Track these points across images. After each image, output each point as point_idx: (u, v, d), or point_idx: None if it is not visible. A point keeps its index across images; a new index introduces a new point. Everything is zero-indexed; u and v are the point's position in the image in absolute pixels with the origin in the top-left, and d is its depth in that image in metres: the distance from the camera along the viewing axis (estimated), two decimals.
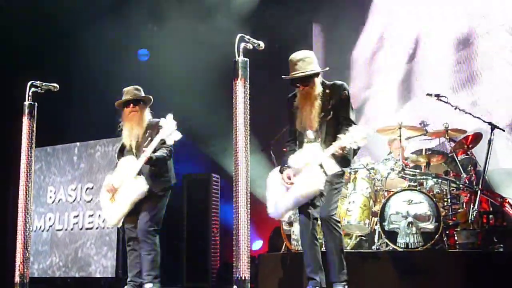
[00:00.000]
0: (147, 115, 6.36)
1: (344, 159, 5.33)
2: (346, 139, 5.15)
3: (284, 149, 7.08)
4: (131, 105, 6.33)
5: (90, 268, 9.32)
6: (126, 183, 6.10)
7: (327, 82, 5.47)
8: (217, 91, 8.31)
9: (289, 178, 5.36)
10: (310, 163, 5.29)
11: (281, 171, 5.51)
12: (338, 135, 5.23)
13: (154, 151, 6.07)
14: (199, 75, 9.51)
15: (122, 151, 6.42)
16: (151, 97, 6.41)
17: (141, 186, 6.06)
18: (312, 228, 5.35)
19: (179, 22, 10.16)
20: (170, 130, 5.93)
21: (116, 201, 6.14)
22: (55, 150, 10.16)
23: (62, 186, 9.94)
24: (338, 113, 5.35)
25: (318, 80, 5.41)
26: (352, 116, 5.38)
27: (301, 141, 5.51)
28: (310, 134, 5.43)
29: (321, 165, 5.27)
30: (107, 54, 10.18)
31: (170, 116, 6.01)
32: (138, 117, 6.30)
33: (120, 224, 6.22)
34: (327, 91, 5.38)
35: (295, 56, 5.43)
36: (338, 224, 5.35)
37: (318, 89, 5.37)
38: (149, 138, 6.12)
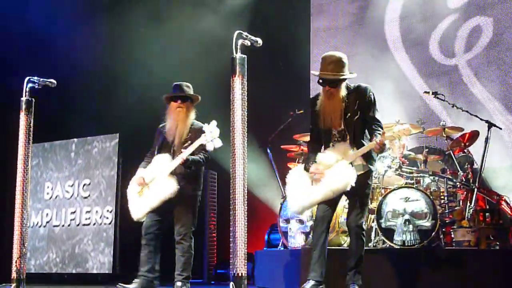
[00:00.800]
0: (193, 114, 6.30)
1: (370, 157, 5.47)
2: (388, 136, 5.30)
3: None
4: (179, 101, 6.24)
5: (87, 264, 9.32)
6: (158, 180, 6.09)
7: (351, 85, 5.58)
8: (215, 87, 8.31)
9: (318, 170, 5.42)
10: (342, 160, 5.37)
11: (306, 168, 5.57)
12: (376, 133, 5.35)
13: (193, 154, 6.07)
14: (196, 71, 9.51)
15: (161, 146, 6.34)
16: (199, 97, 6.34)
17: (172, 186, 6.04)
18: (326, 227, 5.49)
19: (176, 20, 10.15)
20: (212, 137, 5.93)
21: (144, 195, 6.14)
22: (52, 146, 10.16)
23: (59, 182, 9.94)
24: (364, 114, 5.47)
25: (343, 84, 5.50)
26: (378, 116, 5.50)
27: (327, 141, 5.58)
28: (336, 133, 5.52)
29: (351, 163, 5.38)
30: (104, 50, 10.17)
31: (214, 123, 5.97)
32: (184, 114, 6.23)
33: (144, 219, 6.21)
34: (353, 93, 5.50)
35: (330, 56, 5.49)
36: (364, 233, 5.51)
37: (343, 92, 5.47)
38: (189, 142, 6.11)
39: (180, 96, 6.25)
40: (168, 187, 6.03)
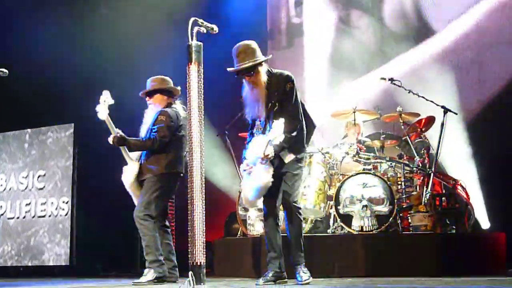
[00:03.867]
0: (163, 104, 6.20)
1: (295, 147, 5.45)
2: (269, 135, 5.24)
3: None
4: (147, 97, 6.26)
5: (43, 257, 9.21)
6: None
7: (274, 71, 5.52)
8: (172, 74, 8.26)
9: (246, 168, 5.47)
10: (259, 156, 5.34)
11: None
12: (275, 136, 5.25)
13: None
14: (151, 58, 9.45)
15: None
16: (161, 87, 6.21)
17: (131, 170, 6.09)
18: (274, 217, 5.56)
19: (127, 7, 10.08)
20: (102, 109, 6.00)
21: None
22: (5, 137, 9.99)
23: (13, 173, 9.78)
24: (282, 105, 5.41)
25: (262, 69, 5.46)
26: (294, 108, 5.40)
27: (254, 132, 5.62)
28: (259, 124, 5.53)
29: (279, 155, 5.38)
30: (58, 38, 10.02)
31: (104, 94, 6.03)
32: (153, 109, 6.21)
33: None
34: (273, 81, 5.45)
35: (236, 47, 5.48)
36: (299, 211, 5.55)
37: (263, 78, 5.43)
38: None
39: (147, 93, 6.26)
40: (129, 172, 6.10)
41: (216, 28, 5.00)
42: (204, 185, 4.70)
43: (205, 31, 4.92)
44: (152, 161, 6.10)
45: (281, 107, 5.40)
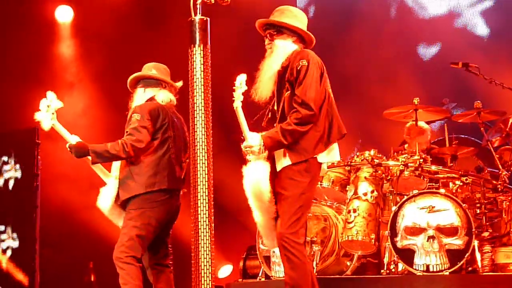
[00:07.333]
0: (140, 96, 6.23)
1: (297, 148, 5.30)
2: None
3: None
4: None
5: None
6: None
7: (299, 49, 5.50)
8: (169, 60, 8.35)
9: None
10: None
11: None
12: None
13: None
14: (144, 40, 9.57)
15: None
16: (146, 75, 6.24)
17: (108, 191, 6.09)
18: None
19: None
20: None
21: None
22: None
23: None
24: (293, 87, 5.34)
25: (287, 39, 5.46)
26: (306, 93, 5.28)
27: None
28: (267, 111, 5.49)
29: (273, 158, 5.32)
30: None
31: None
32: (131, 108, 6.24)
33: None
34: (292, 58, 5.42)
35: (280, 7, 5.50)
36: (293, 248, 5.27)
37: (284, 48, 5.43)
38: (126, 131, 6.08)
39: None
40: (105, 195, 6.11)
41: None
42: (213, 209, 4.72)
43: (212, 1, 4.96)
44: (127, 177, 6.06)
45: (292, 91, 5.35)
